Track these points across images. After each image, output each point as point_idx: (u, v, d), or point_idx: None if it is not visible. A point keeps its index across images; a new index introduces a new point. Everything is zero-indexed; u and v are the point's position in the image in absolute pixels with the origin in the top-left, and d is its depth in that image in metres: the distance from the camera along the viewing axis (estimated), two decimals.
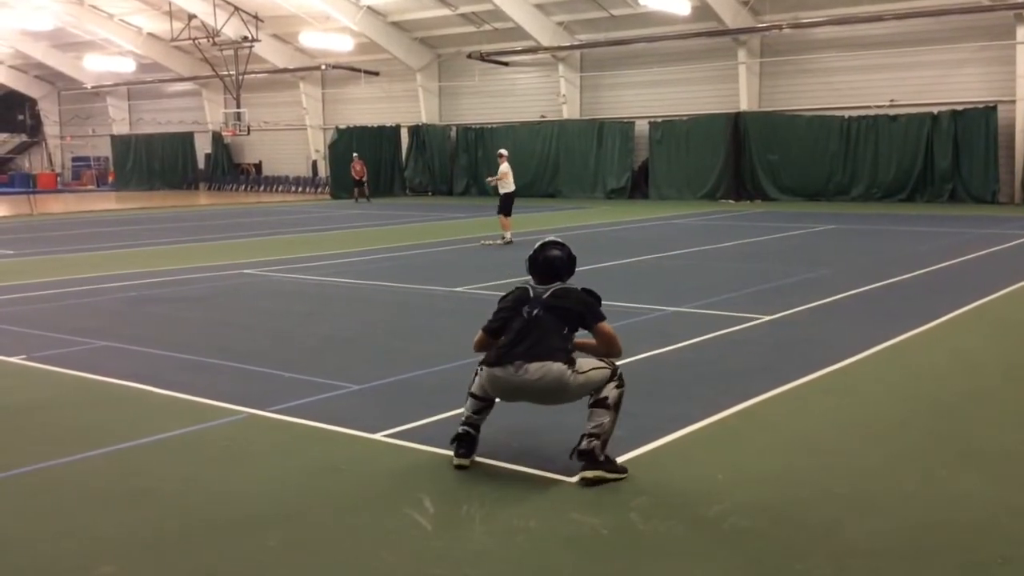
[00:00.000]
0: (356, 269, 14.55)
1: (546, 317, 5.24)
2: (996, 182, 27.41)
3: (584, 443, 5.03)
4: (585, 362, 5.27)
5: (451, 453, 5.39)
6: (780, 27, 29.53)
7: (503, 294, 5.58)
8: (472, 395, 5.39)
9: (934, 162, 28.21)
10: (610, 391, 5.15)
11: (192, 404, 6.75)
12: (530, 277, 5.53)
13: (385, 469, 5.38)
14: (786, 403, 6.64)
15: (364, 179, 34.40)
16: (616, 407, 5.16)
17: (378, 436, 5.89)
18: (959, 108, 27.65)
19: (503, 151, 19.44)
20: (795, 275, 13.00)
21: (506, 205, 18.28)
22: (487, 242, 18.00)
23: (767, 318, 9.73)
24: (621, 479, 5.04)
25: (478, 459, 5.36)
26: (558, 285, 5.40)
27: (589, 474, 4.99)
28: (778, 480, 5.12)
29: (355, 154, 34.80)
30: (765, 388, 6.87)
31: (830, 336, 8.94)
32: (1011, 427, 6.07)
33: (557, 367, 5.11)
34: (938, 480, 5.07)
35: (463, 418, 5.40)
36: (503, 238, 17.92)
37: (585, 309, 5.34)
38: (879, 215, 24.15)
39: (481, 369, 5.34)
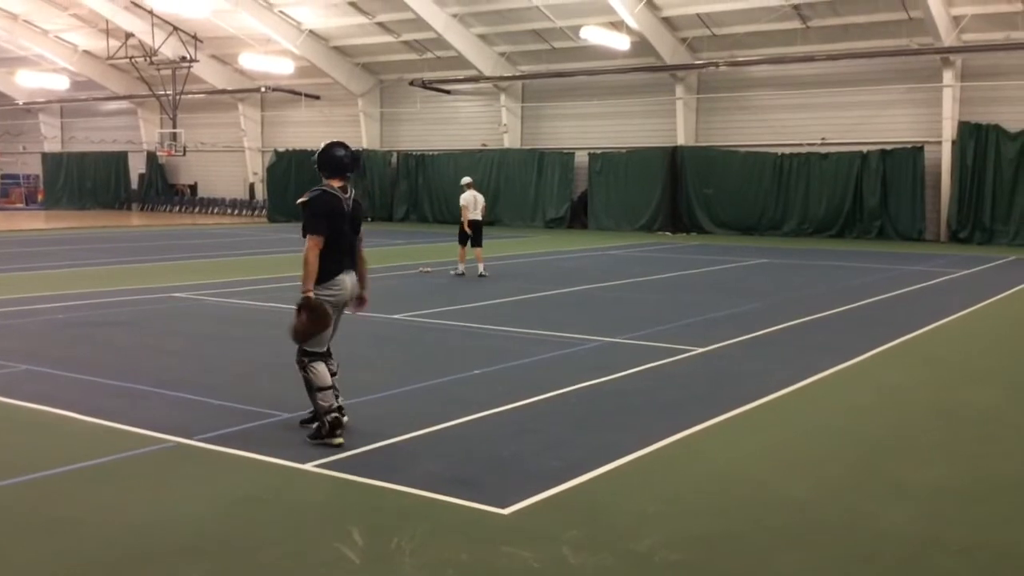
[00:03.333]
0: (291, 294, 14.29)
1: (352, 233, 6.47)
2: (923, 220, 28.22)
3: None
4: None
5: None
6: (717, 64, 30.14)
7: (310, 198, 6.34)
8: (321, 389, 6.20)
9: (863, 200, 28.98)
10: None
11: (116, 432, 6.55)
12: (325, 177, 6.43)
13: (314, 500, 5.28)
14: (718, 435, 6.69)
15: None
16: None
17: (308, 466, 5.79)
18: (888, 148, 28.46)
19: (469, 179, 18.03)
20: (728, 308, 13.17)
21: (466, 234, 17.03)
22: (426, 269, 17.92)
23: (700, 350, 9.83)
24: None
25: (410, 491, 5.30)
26: (353, 195, 6.49)
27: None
28: (709, 512, 5.15)
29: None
30: (697, 420, 6.93)
31: (761, 369, 9.06)
32: (937, 462, 6.19)
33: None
34: (866, 514, 5.14)
35: (333, 407, 6.19)
36: (458, 269, 17.01)
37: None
38: (810, 250, 24.65)
39: (315, 310, 6.15)
